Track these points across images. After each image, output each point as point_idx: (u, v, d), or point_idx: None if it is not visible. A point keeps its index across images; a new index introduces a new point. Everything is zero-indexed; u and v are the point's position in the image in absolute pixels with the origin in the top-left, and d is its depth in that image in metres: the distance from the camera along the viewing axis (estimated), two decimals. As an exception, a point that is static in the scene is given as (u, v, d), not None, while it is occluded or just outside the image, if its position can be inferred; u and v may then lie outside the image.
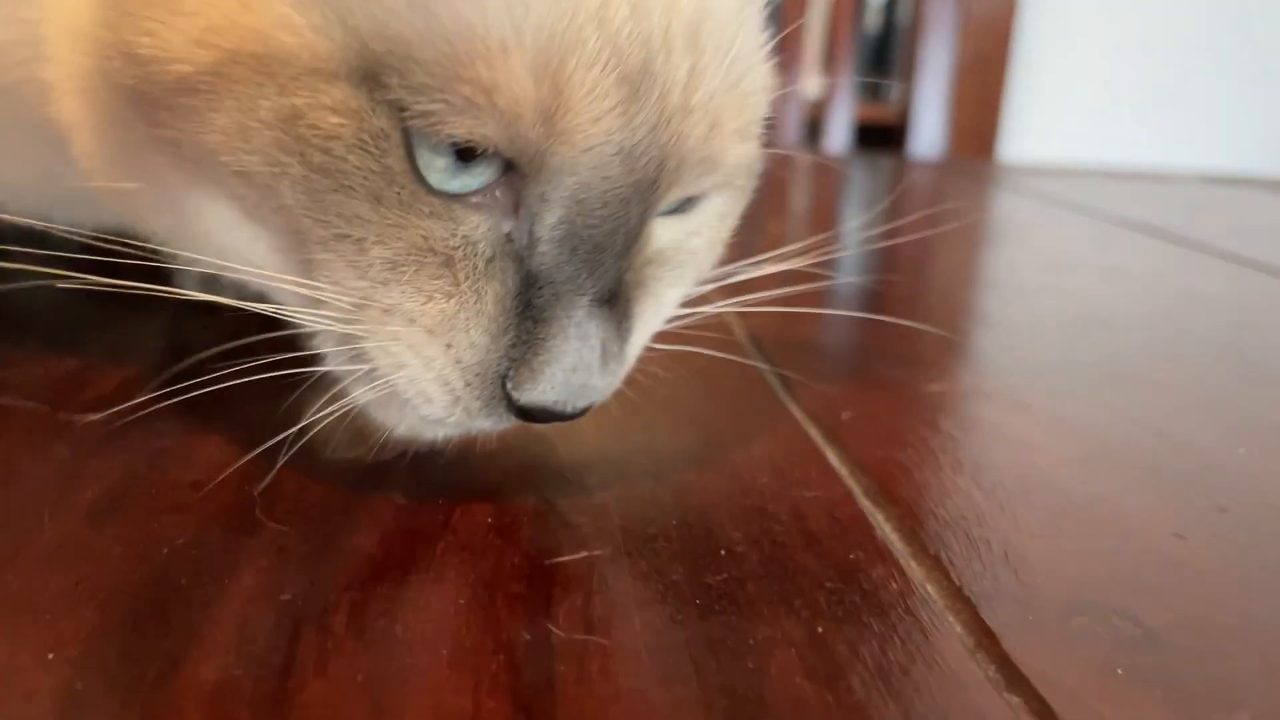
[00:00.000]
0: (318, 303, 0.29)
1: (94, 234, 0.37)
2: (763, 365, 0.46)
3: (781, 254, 0.37)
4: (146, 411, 0.36)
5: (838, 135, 1.52)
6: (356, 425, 0.32)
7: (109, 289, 0.31)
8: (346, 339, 0.30)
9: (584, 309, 0.29)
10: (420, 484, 0.33)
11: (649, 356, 0.34)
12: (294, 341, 0.32)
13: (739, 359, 0.46)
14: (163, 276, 0.48)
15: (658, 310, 0.33)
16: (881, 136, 1.87)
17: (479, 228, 0.28)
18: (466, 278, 0.28)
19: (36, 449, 0.33)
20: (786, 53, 1.40)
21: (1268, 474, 0.37)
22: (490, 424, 0.30)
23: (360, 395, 0.31)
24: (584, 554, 0.29)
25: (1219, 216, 0.98)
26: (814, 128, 1.56)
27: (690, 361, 0.36)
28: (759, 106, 0.32)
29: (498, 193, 0.28)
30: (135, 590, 0.26)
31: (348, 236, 0.28)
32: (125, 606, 0.25)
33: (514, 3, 0.26)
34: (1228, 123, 2.07)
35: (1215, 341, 0.56)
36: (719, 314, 0.37)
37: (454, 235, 0.28)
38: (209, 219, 0.30)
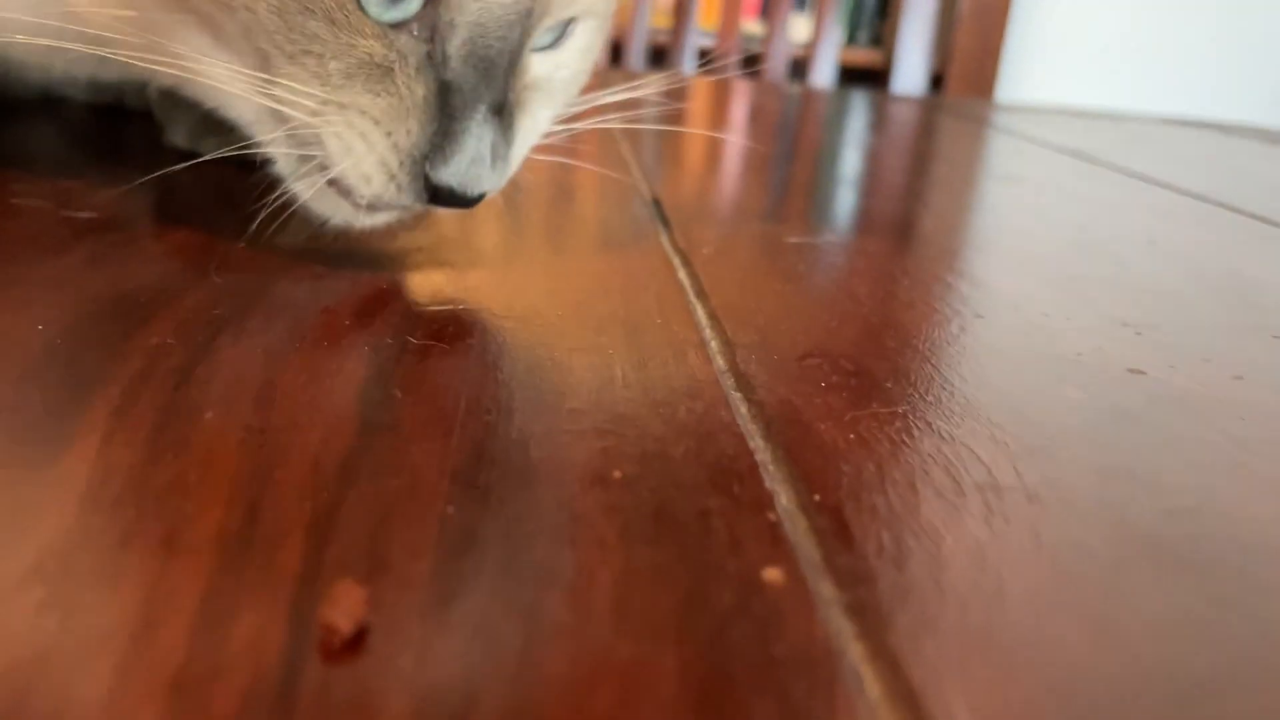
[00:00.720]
0: (278, 112, 0.38)
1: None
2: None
3: (636, 85, 0.45)
4: (135, 214, 0.46)
5: (823, 74, 1.59)
6: (296, 217, 0.41)
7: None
8: (299, 140, 0.39)
9: (481, 114, 0.37)
10: (336, 258, 0.42)
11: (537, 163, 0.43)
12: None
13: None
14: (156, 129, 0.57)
15: (534, 126, 0.42)
16: (871, 78, 1.93)
17: (408, 46, 0.37)
18: (404, 82, 0.37)
19: (43, 230, 0.43)
20: (776, 8, 1.45)
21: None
22: (409, 201, 0.38)
23: (303, 190, 0.40)
24: (449, 307, 0.38)
25: (1150, 146, 1.05)
26: (802, 68, 1.63)
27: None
28: None
29: (417, 23, 0.37)
30: (109, 301, 0.35)
31: (310, 52, 0.36)
32: (102, 307, 0.34)
33: None
34: (1222, 72, 2.11)
35: (1069, 223, 0.64)
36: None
37: (391, 50, 0.37)
38: (187, 45, 0.39)
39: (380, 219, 0.41)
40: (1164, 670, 0.20)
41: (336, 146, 0.37)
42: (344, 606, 0.19)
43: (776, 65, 1.59)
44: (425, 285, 0.41)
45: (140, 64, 0.40)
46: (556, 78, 0.43)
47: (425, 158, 0.37)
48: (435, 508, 0.24)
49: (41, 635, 0.18)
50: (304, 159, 0.39)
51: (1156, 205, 0.73)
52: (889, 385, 0.34)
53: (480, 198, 0.39)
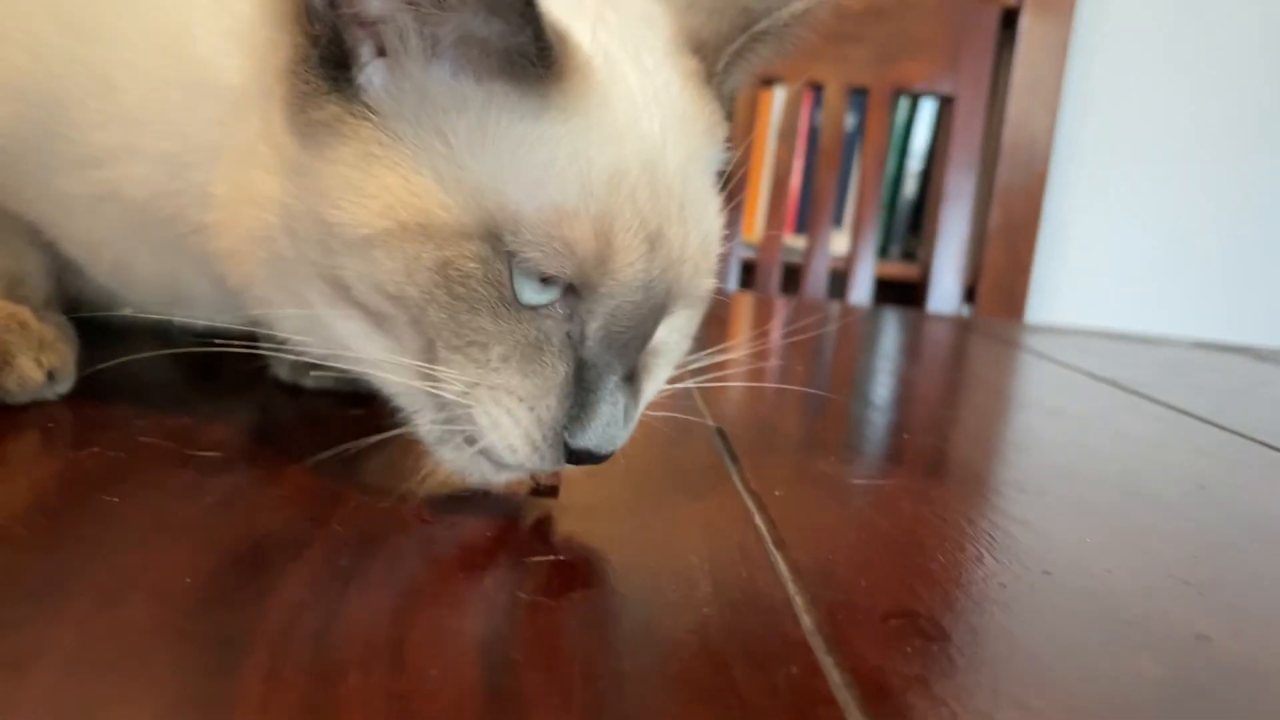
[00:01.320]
0: (431, 387, 0.42)
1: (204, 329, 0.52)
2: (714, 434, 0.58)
3: (726, 346, 0.49)
4: (251, 451, 0.50)
5: (861, 289, 1.66)
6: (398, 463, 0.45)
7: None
8: (447, 411, 0.43)
9: (614, 384, 0.43)
10: (438, 504, 0.45)
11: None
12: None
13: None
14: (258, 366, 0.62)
15: (655, 387, 0.48)
16: (906, 292, 2.00)
17: (553, 329, 0.43)
18: (550, 361, 0.43)
19: (171, 472, 0.46)
20: (816, 217, 1.55)
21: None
22: (550, 466, 0.44)
23: (448, 454, 0.45)
24: (549, 557, 0.41)
25: (1188, 375, 1.09)
26: (840, 279, 1.70)
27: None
28: (717, 252, 0.47)
29: (560, 307, 0.43)
30: (245, 551, 0.38)
31: (475, 341, 0.42)
32: (239, 558, 0.37)
33: (582, 190, 0.41)
34: (1250, 295, 2.17)
35: (1116, 464, 0.66)
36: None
37: (540, 333, 0.42)
38: (343, 329, 0.44)
39: (514, 475, 0.46)
40: None
41: (486, 423, 0.42)
42: None
43: (817, 278, 1.66)
44: (522, 534, 0.44)
45: (295, 343, 0.45)
46: (673, 341, 0.48)
47: (565, 428, 0.42)
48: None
49: None
50: (451, 421, 0.44)
51: (1199, 444, 0.76)
52: (971, 650, 0.36)
53: (611, 455, 0.43)
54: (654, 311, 0.44)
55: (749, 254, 1.80)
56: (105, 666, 0.29)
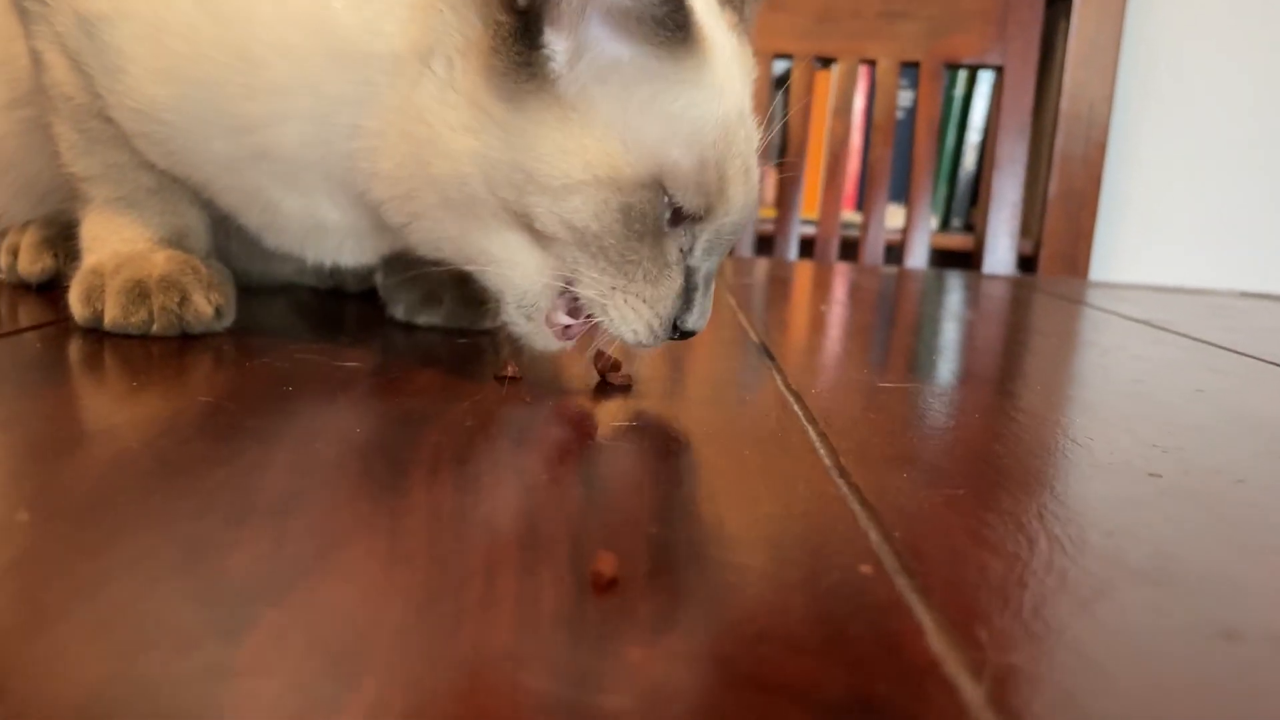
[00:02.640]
0: (564, 292, 0.56)
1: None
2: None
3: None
4: (382, 365, 0.62)
5: (916, 258, 1.74)
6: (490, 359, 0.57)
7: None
8: (588, 307, 0.56)
9: (706, 282, 0.57)
10: (527, 385, 0.56)
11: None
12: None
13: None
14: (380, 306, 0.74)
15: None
16: (964, 261, 2.07)
17: (672, 246, 0.56)
18: (670, 274, 0.56)
19: (328, 375, 0.58)
20: (872, 191, 1.64)
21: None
22: (659, 342, 0.57)
23: (527, 329, 0.58)
24: (626, 423, 0.52)
25: (1230, 320, 1.16)
26: (896, 253, 1.78)
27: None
28: None
29: (683, 229, 0.56)
30: (395, 417, 0.50)
31: (630, 260, 0.54)
32: (392, 420, 0.49)
33: (714, 142, 0.54)
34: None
35: (1126, 378, 0.75)
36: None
37: (671, 252, 0.55)
38: (496, 242, 0.56)
39: (571, 344, 0.59)
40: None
41: (616, 316, 0.56)
42: (606, 562, 0.32)
43: (873, 250, 1.75)
44: (603, 410, 0.55)
45: (442, 255, 0.58)
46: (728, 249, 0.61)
47: (677, 315, 0.56)
48: (641, 525, 0.37)
49: (412, 578, 0.31)
50: (533, 317, 0.57)
51: (1213, 364, 0.84)
52: (959, 479, 0.46)
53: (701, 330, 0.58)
54: (736, 230, 0.57)
55: (808, 229, 1.89)
56: (312, 475, 0.41)
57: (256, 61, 0.57)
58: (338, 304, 0.84)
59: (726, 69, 0.56)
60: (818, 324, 0.98)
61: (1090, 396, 0.71)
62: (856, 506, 0.41)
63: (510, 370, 0.59)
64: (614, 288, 0.55)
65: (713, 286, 0.58)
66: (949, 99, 2.24)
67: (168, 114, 0.60)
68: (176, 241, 0.68)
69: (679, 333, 0.57)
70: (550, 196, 0.52)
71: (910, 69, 1.80)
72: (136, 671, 0.25)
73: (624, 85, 0.52)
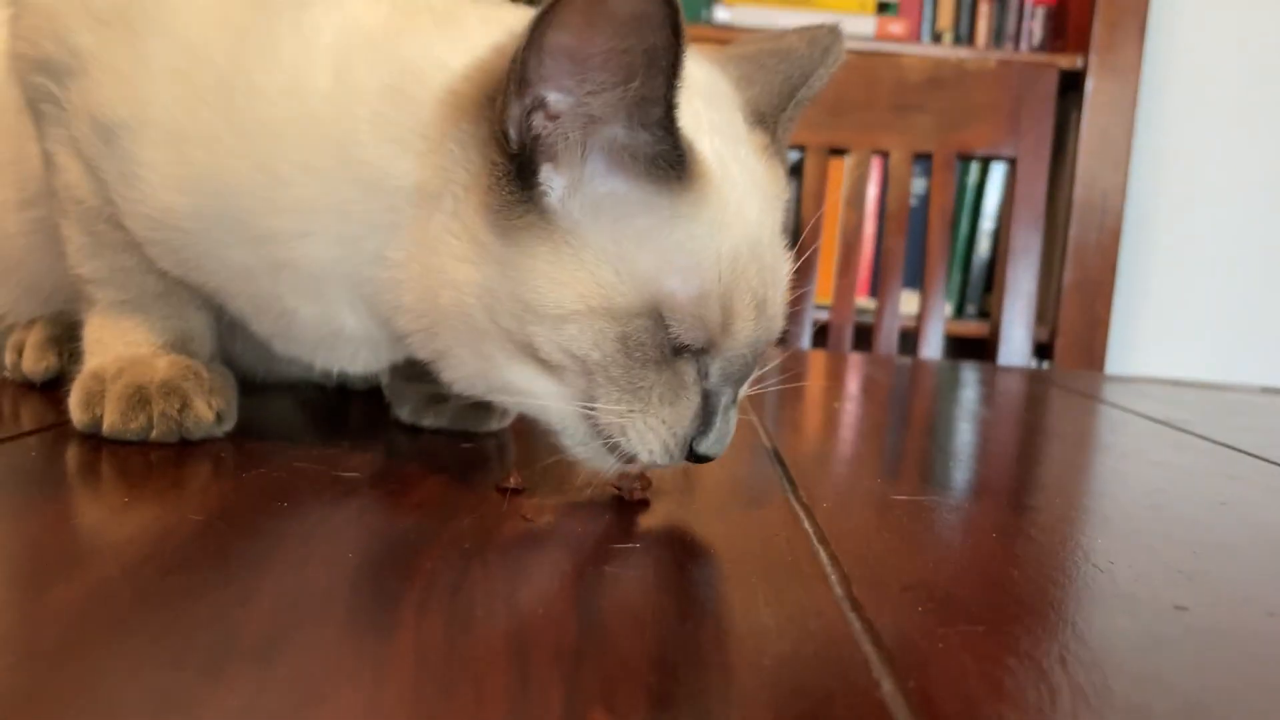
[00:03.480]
0: (589, 417, 0.55)
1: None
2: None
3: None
4: (383, 474, 0.60)
5: (931, 346, 1.73)
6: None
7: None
8: (597, 429, 0.55)
9: (726, 406, 0.56)
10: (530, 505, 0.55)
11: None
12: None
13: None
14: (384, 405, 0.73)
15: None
16: (979, 349, 2.06)
17: (688, 370, 0.55)
18: (686, 396, 0.55)
19: (324, 487, 0.57)
20: (886, 278, 1.63)
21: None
22: (675, 463, 0.56)
23: (588, 454, 0.57)
24: (632, 545, 0.50)
25: (1246, 418, 1.14)
26: (911, 339, 1.77)
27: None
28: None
29: (694, 355, 0.55)
30: (390, 538, 0.48)
31: (640, 386, 0.54)
32: (387, 542, 0.48)
33: (715, 275, 0.53)
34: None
35: (1146, 488, 0.73)
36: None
37: (681, 375, 0.55)
38: (515, 375, 0.55)
39: (634, 468, 0.57)
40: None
41: (635, 438, 0.55)
42: (600, 725, 0.30)
43: (888, 336, 1.74)
44: (608, 529, 0.53)
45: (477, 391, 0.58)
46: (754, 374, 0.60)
47: (693, 439, 0.55)
48: (641, 674, 0.35)
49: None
50: (592, 436, 0.56)
51: (1234, 470, 0.82)
52: (976, 611, 0.44)
53: (721, 453, 0.56)
54: (758, 356, 0.57)
55: (821, 315, 1.88)
56: (298, 609, 0.40)
57: (282, 178, 0.57)
58: (343, 403, 0.83)
59: (739, 200, 0.55)
60: (830, 424, 0.97)
61: (1110, 509, 0.69)
62: (869, 648, 0.39)
63: (513, 481, 0.58)
64: (631, 411, 0.54)
65: (734, 413, 0.57)
66: (962, 187, 2.25)
67: (185, 222, 0.59)
68: (181, 346, 0.68)
69: (695, 456, 0.55)
70: (548, 326, 0.52)
71: (923, 158, 1.81)
72: None
73: (619, 218, 0.52)
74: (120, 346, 0.66)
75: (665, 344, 0.53)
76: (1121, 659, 0.41)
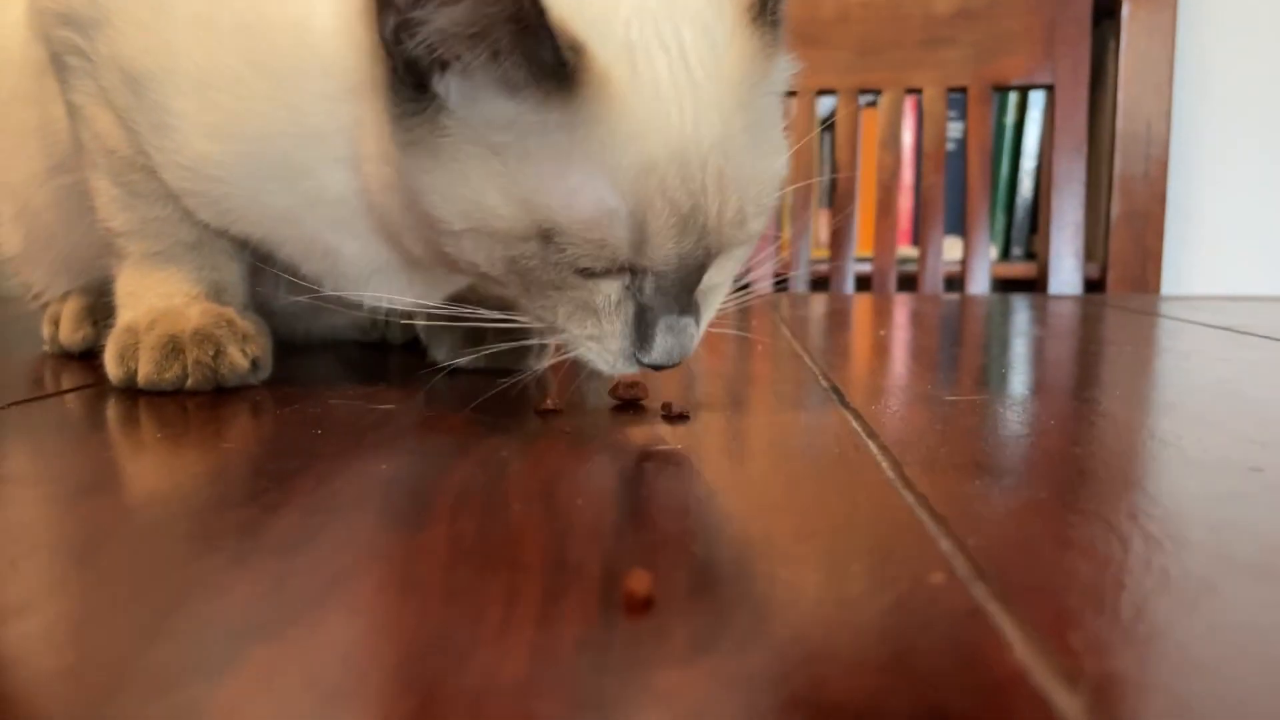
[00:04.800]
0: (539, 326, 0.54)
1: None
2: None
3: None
4: (418, 406, 0.59)
5: (977, 287, 1.68)
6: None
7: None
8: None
9: (667, 320, 0.51)
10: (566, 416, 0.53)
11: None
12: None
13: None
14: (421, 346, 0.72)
15: (709, 314, 0.56)
16: (1026, 289, 2.01)
17: (611, 287, 0.51)
18: (609, 313, 0.52)
19: (363, 415, 0.56)
20: (927, 219, 1.59)
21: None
22: (636, 369, 0.53)
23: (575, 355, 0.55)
24: (668, 447, 0.49)
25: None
26: (956, 284, 1.73)
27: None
28: (770, 198, 0.53)
29: (618, 270, 0.51)
30: (424, 452, 0.47)
31: (549, 305, 0.52)
32: (421, 455, 0.46)
33: (613, 192, 0.48)
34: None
35: (1208, 379, 0.70)
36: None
37: (601, 293, 0.51)
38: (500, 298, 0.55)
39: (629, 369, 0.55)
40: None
41: (580, 349, 0.53)
42: (639, 580, 0.28)
43: (932, 283, 1.70)
44: (650, 435, 0.52)
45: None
46: (720, 280, 0.56)
47: (635, 352, 0.52)
48: (683, 544, 0.33)
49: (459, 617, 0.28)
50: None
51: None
52: (1036, 482, 0.42)
53: (679, 363, 0.52)
54: (693, 270, 0.51)
55: (863, 268, 1.84)
56: (326, 515, 0.39)
57: (304, 110, 0.57)
58: (381, 355, 0.82)
59: (657, 104, 0.48)
60: (878, 348, 0.94)
61: (1174, 398, 0.66)
62: (924, 515, 0.37)
63: (550, 402, 0.56)
64: (554, 322, 0.52)
65: (689, 323, 0.52)
66: (1000, 128, 2.19)
67: (221, 170, 0.59)
68: (214, 296, 0.67)
69: (645, 365, 0.52)
70: (449, 238, 0.51)
71: (958, 101, 1.77)
72: (105, 715, 0.22)
73: (502, 138, 0.49)
74: (153, 298, 0.66)
75: (564, 265, 0.50)
76: (1196, 512, 0.38)
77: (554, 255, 0.49)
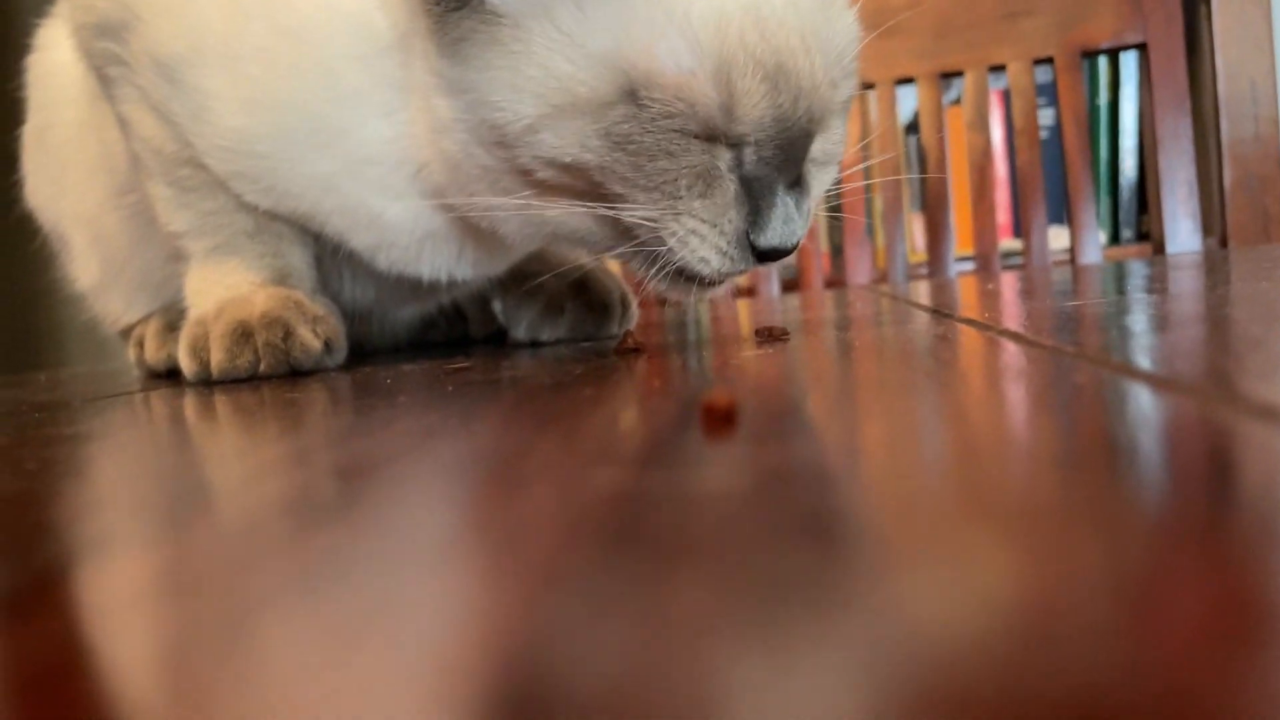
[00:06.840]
0: (630, 228, 0.49)
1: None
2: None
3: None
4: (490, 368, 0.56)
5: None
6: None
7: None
8: (650, 244, 0.49)
9: (780, 191, 0.48)
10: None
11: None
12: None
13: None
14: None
15: (820, 189, 0.52)
16: (1143, 262, 1.90)
17: (719, 155, 0.48)
18: (721, 184, 0.48)
19: (437, 373, 0.53)
20: (1026, 197, 1.51)
21: None
22: (742, 265, 0.49)
23: (658, 283, 0.51)
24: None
25: None
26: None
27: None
28: (853, 58, 0.50)
29: (723, 137, 0.47)
30: (499, 394, 0.44)
31: (661, 181, 0.47)
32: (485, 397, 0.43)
33: (689, 49, 0.45)
34: None
35: None
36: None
37: (709, 161, 0.47)
38: (557, 210, 0.51)
39: (719, 291, 0.51)
40: None
41: (675, 243, 0.48)
42: (720, 396, 0.24)
43: (1039, 260, 1.61)
44: (745, 359, 0.47)
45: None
46: (830, 149, 0.52)
47: (749, 234, 0.47)
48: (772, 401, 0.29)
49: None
50: (653, 261, 0.50)
51: None
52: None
53: (795, 248, 0.48)
54: (799, 135, 0.48)
55: (964, 267, 1.74)
56: (395, 445, 0.35)
57: (336, 72, 0.56)
58: (461, 345, 0.80)
59: None
60: (989, 299, 0.88)
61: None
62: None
63: (631, 341, 0.53)
64: (663, 211, 0.47)
65: (802, 203, 0.48)
66: (1094, 109, 2.11)
67: (258, 145, 0.59)
68: (280, 282, 0.66)
69: (758, 253, 0.48)
70: (525, 146, 0.47)
71: (1046, 88, 1.69)
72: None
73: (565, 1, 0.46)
74: (220, 290, 0.64)
75: (662, 129, 0.46)
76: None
77: (647, 115, 0.46)
